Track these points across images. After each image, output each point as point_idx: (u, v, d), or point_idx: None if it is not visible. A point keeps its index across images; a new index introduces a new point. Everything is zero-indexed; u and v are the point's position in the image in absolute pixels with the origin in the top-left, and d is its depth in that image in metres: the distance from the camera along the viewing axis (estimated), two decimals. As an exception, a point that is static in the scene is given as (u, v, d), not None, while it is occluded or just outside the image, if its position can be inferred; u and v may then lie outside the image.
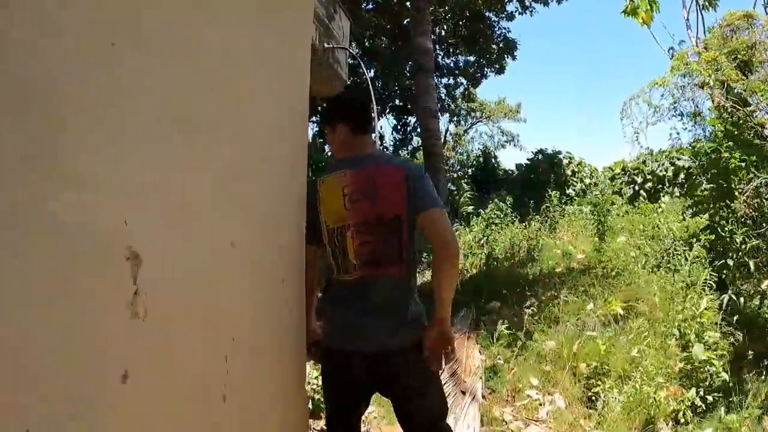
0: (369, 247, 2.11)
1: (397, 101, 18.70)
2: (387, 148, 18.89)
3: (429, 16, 8.10)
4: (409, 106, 18.21)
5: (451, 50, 18.28)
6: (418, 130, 18.43)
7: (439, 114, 18.66)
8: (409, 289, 2.22)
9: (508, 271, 8.13)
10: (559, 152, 14.84)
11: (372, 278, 2.13)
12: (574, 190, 13.55)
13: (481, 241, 9.78)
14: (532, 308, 5.75)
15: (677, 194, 11.55)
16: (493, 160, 17.42)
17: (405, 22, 14.86)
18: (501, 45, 17.16)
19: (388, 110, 18.91)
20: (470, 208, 12.88)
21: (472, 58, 18.28)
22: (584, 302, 5.81)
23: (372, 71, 17.30)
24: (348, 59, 6.08)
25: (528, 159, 14.90)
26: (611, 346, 4.71)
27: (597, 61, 62.08)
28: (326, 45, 5.21)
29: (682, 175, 12.14)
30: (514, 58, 17.51)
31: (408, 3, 12.60)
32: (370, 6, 15.66)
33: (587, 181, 14.13)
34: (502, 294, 6.79)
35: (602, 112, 63.54)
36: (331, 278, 2.27)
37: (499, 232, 10.23)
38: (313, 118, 12.89)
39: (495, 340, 5.02)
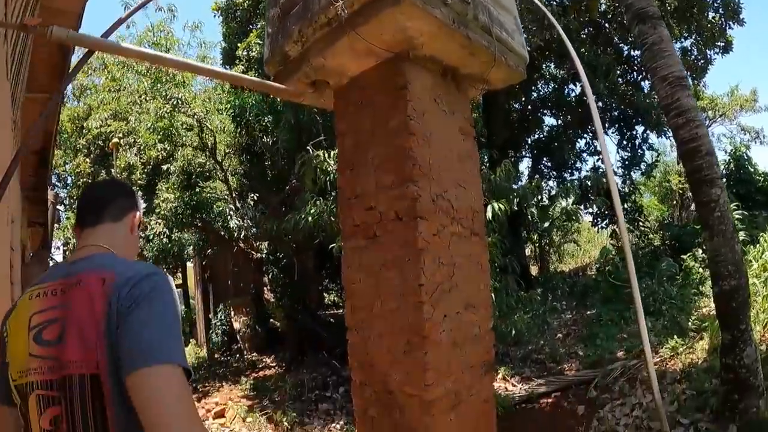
0: (61, 428, 1.22)
1: (615, 113, 15.47)
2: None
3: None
4: (630, 112, 14.86)
5: (663, 39, 14.57)
6: (650, 136, 14.87)
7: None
8: None
9: None
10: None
11: None
12: None
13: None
14: None
15: None
16: (747, 165, 13.15)
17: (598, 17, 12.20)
18: (720, 11, 13.32)
19: (607, 126, 15.75)
20: (741, 234, 9.28)
21: (687, 43, 14.42)
22: None
23: (578, 86, 14.64)
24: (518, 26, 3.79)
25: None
26: None
27: None
28: None
29: None
30: (741, 23, 13.43)
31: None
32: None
33: None
34: None
35: None
36: None
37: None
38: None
39: None
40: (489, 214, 5.96)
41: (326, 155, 6.90)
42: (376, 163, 3.62)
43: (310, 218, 7.16)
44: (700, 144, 4.69)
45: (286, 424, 6.90)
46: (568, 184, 12.45)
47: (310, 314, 10.47)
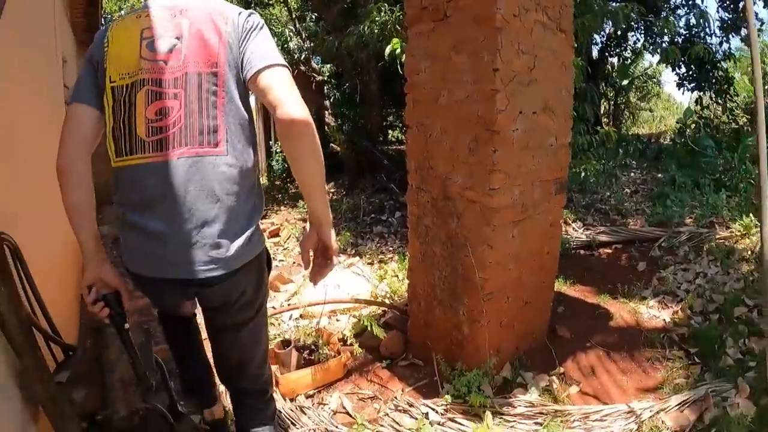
0: (169, 117, 1.59)
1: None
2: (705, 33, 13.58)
3: None
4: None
5: None
6: (757, 4, 13.00)
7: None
8: (240, 180, 1.67)
9: None
10: None
11: (174, 164, 1.58)
12: None
13: None
14: None
15: None
16: None
17: None
18: None
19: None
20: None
21: None
22: None
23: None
24: None
25: None
26: None
27: None
28: None
29: None
30: None
31: None
32: None
33: None
34: None
35: None
36: (112, 167, 1.66)
37: None
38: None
39: None
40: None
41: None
42: (448, -68, 3.04)
43: (375, 28, 6.56)
44: None
45: (340, 244, 6.84)
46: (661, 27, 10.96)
47: (370, 140, 10.14)
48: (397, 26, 6.35)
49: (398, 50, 5.06)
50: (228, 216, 1.62)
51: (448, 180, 3.16)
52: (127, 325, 1.79)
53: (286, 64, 1.62)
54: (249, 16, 1.70)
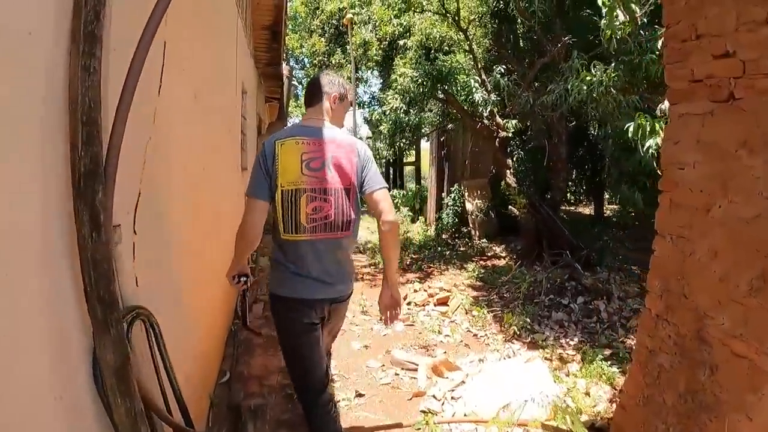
0: (321, 213, 2.61)
1: None
2: None
3: None
4: None
5: None
6: None
7: None
8: (351, 247, 2.87)
9: None
10: None
11: (322, 241, 2.65)
12: None
13: None
14: None
15: None
16: None
17: None
18: None
19: None
20: None
21: None
22: None
23: None
24: None
25: None
26: None
27: None
28: None
29: None
30: None
31: None
32: None
33: None
34: None
35: None
36: (278, 237, 2.68)
37: None
38: None
39: None
40: None
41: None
42: (738, -14, 2.26)
43: (584, 87, 5.74)
44: None
45: (514, 328, 5.91)
46: None
47: (552, 206, 9.17)
48: (612, 89, 5.48)
49: (640, 128, 4.09)
50: (347, 266, 2.81)
51: (707, 318, 2.32)
52: (246, 289, 3.04)
53: (386, 185, 2.71)
54: (366, 149, 2.76)
